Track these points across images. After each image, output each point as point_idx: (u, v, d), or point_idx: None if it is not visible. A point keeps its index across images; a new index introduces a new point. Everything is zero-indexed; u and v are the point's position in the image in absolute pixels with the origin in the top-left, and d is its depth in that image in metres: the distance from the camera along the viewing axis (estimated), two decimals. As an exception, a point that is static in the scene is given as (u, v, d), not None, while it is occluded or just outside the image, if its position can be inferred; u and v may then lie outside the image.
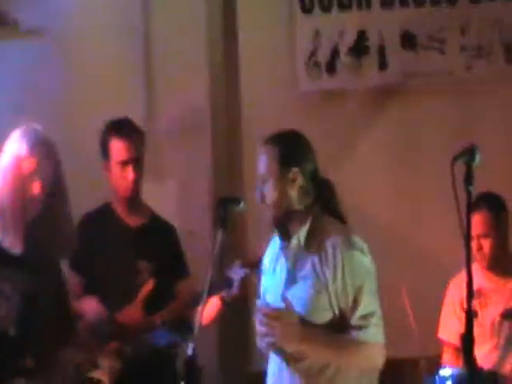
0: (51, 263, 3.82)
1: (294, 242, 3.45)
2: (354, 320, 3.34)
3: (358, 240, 3.40)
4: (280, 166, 3.38)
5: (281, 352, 3.45)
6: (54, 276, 3.83)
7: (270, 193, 3.40)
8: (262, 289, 3.62)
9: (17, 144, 3.66)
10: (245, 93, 5.50)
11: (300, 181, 3.40)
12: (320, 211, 3.47)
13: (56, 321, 3.78)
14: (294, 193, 3.39)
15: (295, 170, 3.37)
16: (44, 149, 3.68)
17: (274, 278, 3.55)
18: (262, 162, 3.45)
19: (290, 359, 3.46)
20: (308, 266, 3.40)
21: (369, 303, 3.36)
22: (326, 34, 5.47)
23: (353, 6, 5.46)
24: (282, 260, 3.50)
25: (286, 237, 3.48)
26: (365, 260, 3.43)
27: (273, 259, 3.58)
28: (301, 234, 3.42)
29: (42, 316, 3.71)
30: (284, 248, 3.50)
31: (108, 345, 4.22)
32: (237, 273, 4.00)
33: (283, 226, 3.47)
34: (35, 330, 3.68)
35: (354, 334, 3.36)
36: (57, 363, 3.78)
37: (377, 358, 3.43)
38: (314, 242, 3.43)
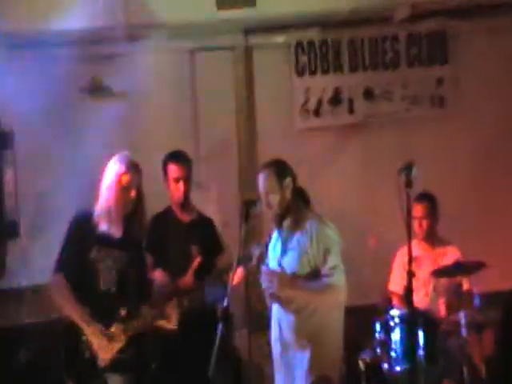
0: (139, 245, 4.36)
1: (285, 226, 4.13)
2: (325, 270, 4.00)
3: (327, 221, 4.14)
4: (278, 178, 4.09)
5: (278, 298, 4.09)
6: (140, 253, 4.38)
7: (274, 198, 4.07)
8: (267, 260, 4.26)
9: (117, 165, 4.21)
10: (259, 129, 6.16)
11: (291, 187, 4.10)
12: (301, 205, 4.16)
13: (140, 284, 4.28)
14: (289, 195, 4.10)
15: (288, 179, 4.08)
16: (134, 167, 4.22)
17: (274, 252, 4.22)
18: (264, 179, 4.11)
19: (284, 302, 4.09)
20: (294, 241, 4.08)
21: (334, 259, 4.01)
22: (313, 90, 6.13)
23: (330, 70, 6.13)
24: (279, 240, 4.17)
25: (280, 225, 4.15)
26: (331, 232, 4.10)
27: (274, 241, 4.24)
28: (290, 221, 4.11)
29: (132, 280, 4.22)
30: (279, 232, 4.17)
31: (171, 301, 4.46)
32: (254, 251, 4.38)
33: (281, 219, 4.13)
34: (127, 289, 4.20)
35: (325, 279, 4.00)
36: (139, 314, 4.20)
37: (341, 295, 4.07)
38: (297, 225, 4.10)
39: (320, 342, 4.08)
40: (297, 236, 4.10)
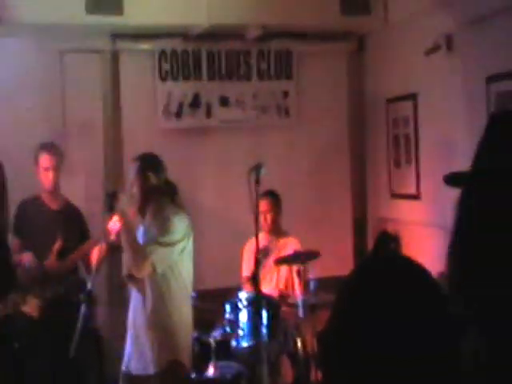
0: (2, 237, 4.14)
1: (147, 214, 4.17)
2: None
3: (182, 212, 4.19)
4: (141, 171, 4.12)
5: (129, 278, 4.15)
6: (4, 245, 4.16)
7: (135, 188, 4.13)
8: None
9: None
10: (124, 128, 6.04)
11: (153, 180, 4.11)
12: (160, 197, 4.16)
13: (4, 273, 4.07)
14: (148, 187, 4.09)
15: (150, 173, 4.10)
16: None
17: (142, 234, 4.17)
18: (131, 171, 4.21)
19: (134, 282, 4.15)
20: (152, 228, 4.12)
21: (163, 239, 4.06)
22: (175, 94, 6.13)
23: (191, 78, 6.14)
24: (143, 226, 4.19)
25: (142, 213, 4.17)
26: (179, 222, 4.13)
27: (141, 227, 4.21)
28: (150, 210, 4.14)
29: None
30: (142, 220, 4.20)
31: (34, 289, 4.47)
32: (113, 227, 4.10)
33: (142, 208, 4.15)
34: None
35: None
36: (6, 299, 3.98)
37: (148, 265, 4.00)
38: (155, 214, 4.14)
39: (169, 329, 4.11)
40: (151, 224, 4.14)
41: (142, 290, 4.14)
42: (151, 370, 4.07)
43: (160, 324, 4.10)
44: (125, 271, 4.18)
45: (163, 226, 4.09)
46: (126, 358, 4.22)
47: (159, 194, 4.17)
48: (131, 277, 4.13)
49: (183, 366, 4.15)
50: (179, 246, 4.12)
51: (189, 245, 4.21)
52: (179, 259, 4.15)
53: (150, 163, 4.21)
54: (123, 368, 4.23)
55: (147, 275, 4.05)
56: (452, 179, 2.05)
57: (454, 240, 1.89)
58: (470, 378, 1.49)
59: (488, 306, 1.78)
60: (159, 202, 4.17)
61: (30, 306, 4.25)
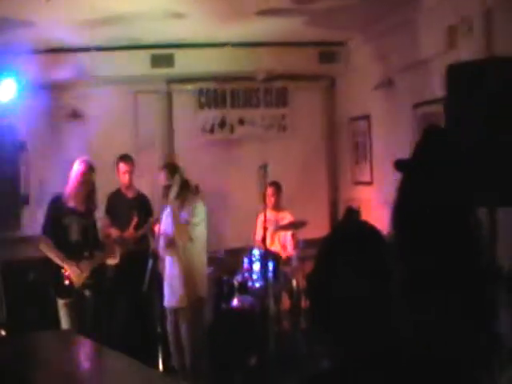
0: (92, 214, 4.25)
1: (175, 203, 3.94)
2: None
3: (201, 200, 4.05)
4: (170, 174, 3.99)
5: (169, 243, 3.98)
6: (93, 219, 4.26)
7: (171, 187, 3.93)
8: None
9: (80, 166, 4.15)
10: (176, 142, 5.97)
11: (179, 180, 3.94)
12: (186, 191, 4.01)
13: (94, 237, 4.23)
14: (176, 185, 3.93)
15: (177, 175, 3.97)
16: (90, 168, 4.16)
17: (166, 221, 4.03)
18: (162, 175, 4.01)
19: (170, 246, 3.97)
20: (184, 210, 3.98)
21: (195, 219, 3.97)
22: (209, 118, 6.02)
23: (219, 106, 6.02)
24: (169, 212, 4.00)
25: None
26: (201, 206, 4.03)
27: (166, 212, 4.03)
28: (178, 201, 3.95)
29: (89, 235, 4.16)
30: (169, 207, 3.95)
31: (118, 245, 4.61)
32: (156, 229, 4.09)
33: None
34: (87, 239, 4.14)
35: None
36: (95, 255, 4.14)
37: (188, 234, 3.89)
38: (183, 203, 3.98)
39: (192, 275, 3.99)
40: (183, 208, 3.97)
41: (176, 254, 4.02)
42: (184, 304, 4.00)
43: (188, 272, 4.00)
44: (162, 243, 4.05)
45: (192, 210, 3.98)
46: (166, 298, 4.13)
47: (184, 188, 4.02)
48: (170, 245, 4.02)
49: (204, 300, 4.09)
50: (202, 223, 4.03)
51: (205, 220, 4.08)
52: (201, 231, 4.03)
53: (174, 169, 4.08)
54: (165, 304, 4.14)
55: (183, 243, 3.97)
56: (398, 164, 1.96)
57: (396, 212, 1.86)
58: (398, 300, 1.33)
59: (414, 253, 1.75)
60: (185, 194, 4.01)
61: (114, 257, 4.43)
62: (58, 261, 4.03)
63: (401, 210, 1.85)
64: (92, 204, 4.22)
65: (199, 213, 4.00)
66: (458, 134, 2.30)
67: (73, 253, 4.06)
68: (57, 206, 4.10)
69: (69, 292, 4.04)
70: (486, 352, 1.67)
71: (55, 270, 4.05)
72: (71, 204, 4.11)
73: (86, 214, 4.18)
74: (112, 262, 4.52)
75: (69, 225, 4.10)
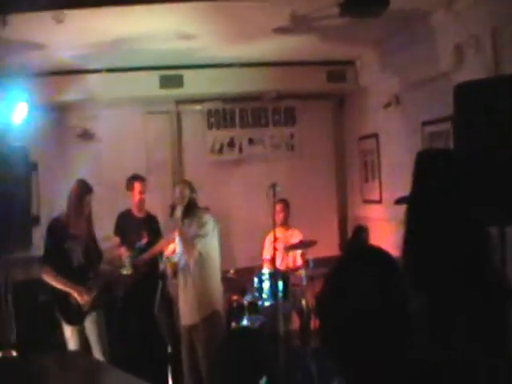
0: (91, 235, 4.18)
1: (185, 218, 3.96)
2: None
3: (206, 214, 4.04)
4: (184, 190, 4.04)
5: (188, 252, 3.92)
6: (94, 241, 4.21)
7: (184, 199, 3.98)
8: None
9: (79, 189, 4.10)
10: (185, 161, 6.00)
11: (188, 196, 4.00)
12: (194, 206, 4.04)
13: (96, 256, 4.21)
14: (186, 201, 4.00)
15: (187, 191, 4.01)
16: (89, 190, 4.11)
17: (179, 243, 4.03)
18: (178, 191, 4.03)
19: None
20: (192, 226, 3.99)
21: (201, 232, 3.94)
22: (218, 138, 6.05)
23: (228, 126, 6.02)
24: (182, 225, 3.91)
25: (182, 217, 3.92)
26: (207, 219, 4.01)
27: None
28: (187, 215, 3.96)
29: (91, 256, 4.14)
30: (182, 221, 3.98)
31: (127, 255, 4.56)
32: (168, 250, 4.10)
33: (183, 215, 3.94)
34: (90, 262, 4.12)
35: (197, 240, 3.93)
36: (100, 273, 4.15)
37: (197, 248, 3.86)
38: (191, 217, 4.00)
39: (207, 290, 3.97)
40: (190, 224, 3.98)
41: (188, 269, 3.99)
42: (198, 319, 3.93)
43: (202, 287, 3.96)
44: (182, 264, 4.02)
45: (199, 222, 3.95)
46: (181, 316, 4.09)
47: (194, 203, 4.06)
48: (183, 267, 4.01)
49: (220, 314, 4.03)
50: (211, 236, 3.98)
51: (215, 234, 4.03)
52: (211, 245, 3.98)
53: (189, 186, 4.11)
54: (182, 322, 4.11)
55: (194, 258, 3.93)
56: (399, 201, 2.08)
57: (407, 237, 1.89)
58: (416, 333, 1.38)
59: (429, 280, 1.77)
60: (194, 208, 4.04)
61: (126, 268, 4.44)
62: (63, 287, 4.00)
63: (411, 241, 1.87)
64: (90, 224, 4.18)
65: (206, 224, 3.96)
66: (467, 153, 2.31)
67: (77, 276, 4.02)
68: (57, 231, 4.05)
69: (77, 317, 4.01)
70: (503, 374, 1.67)
71: (62, 296, 4.03)
72: (72, 228, 4.05)
73: (87, 235, 4.13)
74: (127, 272, 4.49)
75: (71, 249, 4.04)
